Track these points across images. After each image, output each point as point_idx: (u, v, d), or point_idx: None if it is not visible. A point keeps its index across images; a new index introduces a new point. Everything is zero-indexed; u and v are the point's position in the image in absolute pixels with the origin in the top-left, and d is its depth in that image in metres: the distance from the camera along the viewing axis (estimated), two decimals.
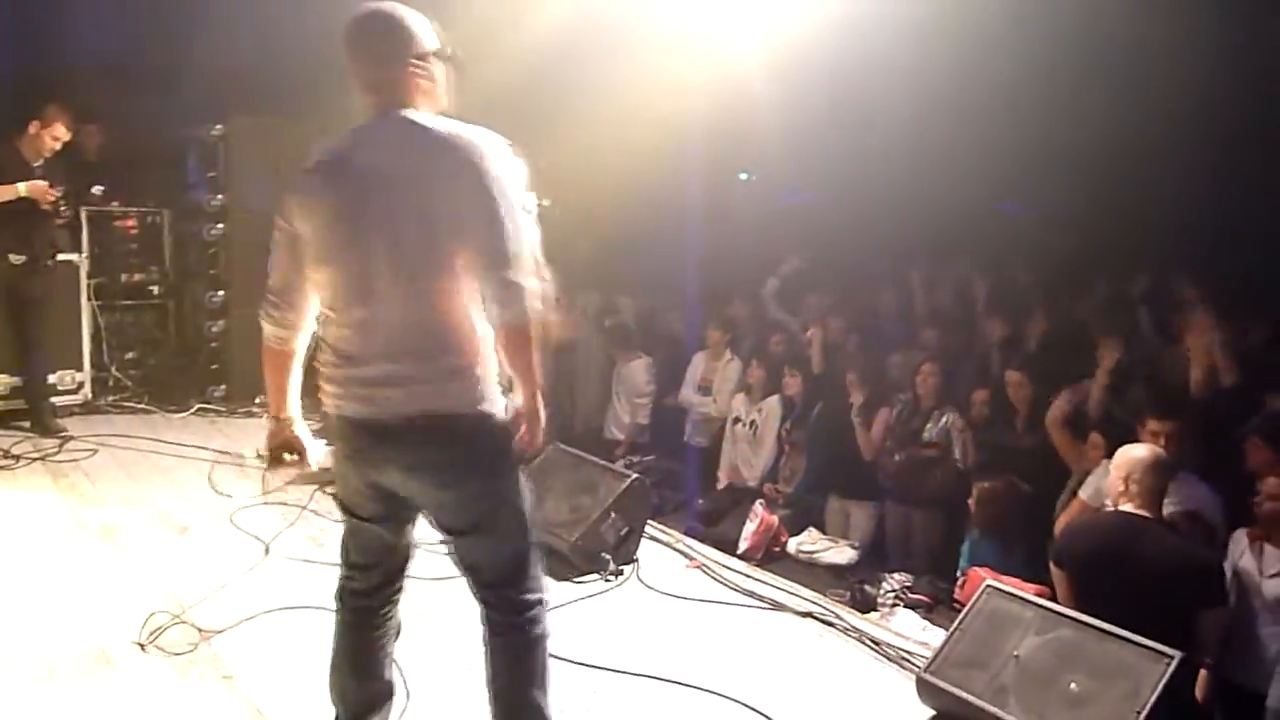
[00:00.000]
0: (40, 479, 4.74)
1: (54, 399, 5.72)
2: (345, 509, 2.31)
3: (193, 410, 6.19)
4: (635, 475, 4.09)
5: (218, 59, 6.43)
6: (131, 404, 6.19)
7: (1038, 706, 2.68)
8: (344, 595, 2.37)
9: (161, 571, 3.65)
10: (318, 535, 4.14)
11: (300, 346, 2.30)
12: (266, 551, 3.92)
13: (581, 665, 3.09)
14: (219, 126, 6.32)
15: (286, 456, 2.38)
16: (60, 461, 5.02)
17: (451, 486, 2.14)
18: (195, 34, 6.59)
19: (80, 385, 6.02)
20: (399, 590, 2.41)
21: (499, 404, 2.14)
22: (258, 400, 6.32)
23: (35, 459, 5.01)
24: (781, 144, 7.78)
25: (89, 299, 6.08)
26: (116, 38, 6.80)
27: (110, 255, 6.30)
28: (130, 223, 6.42)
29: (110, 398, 6.21)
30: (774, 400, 6.15)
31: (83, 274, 6.04)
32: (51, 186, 5.19)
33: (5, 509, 4.31)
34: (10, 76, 6.39)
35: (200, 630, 3.15)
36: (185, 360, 6.60)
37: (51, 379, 5.76)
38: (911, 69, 6.61)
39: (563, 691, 2.93)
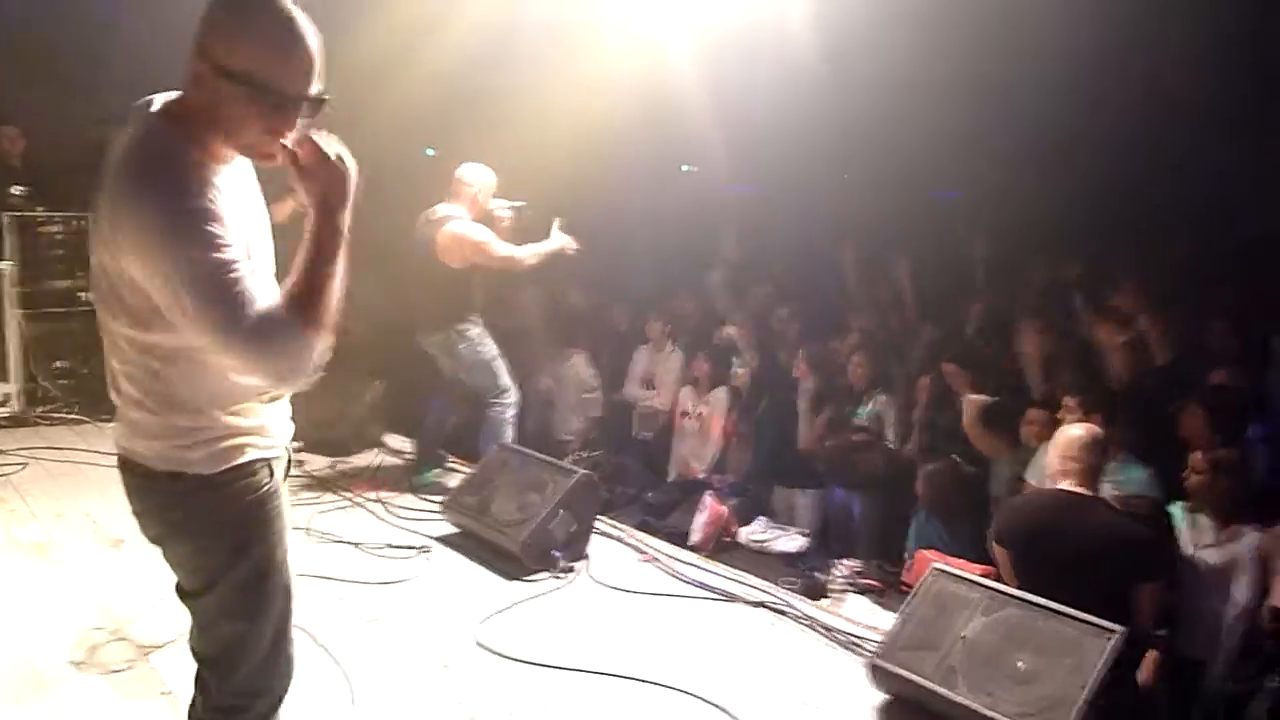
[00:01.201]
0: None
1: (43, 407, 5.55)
2: None
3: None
4: (583, 471, 4.07)
5: (145, 39, 6.23)
6: (62, 414, 5.99)
7: (986, 686, 2.72)
8: None
9: (96, 587, 3.53)
10: None
11: None
12: None
13: (534, 665, 3.07)
14: None
15: None
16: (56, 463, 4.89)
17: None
18: (119, 13, 6.35)
19: (8, 397, 5.82)
20: None
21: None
22: None
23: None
24: (722, 136, 7.81)
25: (15, 307, 5.88)
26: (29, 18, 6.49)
27: (36, 262, 6.08)
28: (56, 228, 6.22)
29: (40, 409, 6.00)
30: (720, 392, 6.18)
31: (6, 282, 5.83)
32: None
33: None
34: None
35: (138, 645, 3.06)
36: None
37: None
38: (849, 56, 6.67)
39: (517, 692, 2.91)
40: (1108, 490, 3.62)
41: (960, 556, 4.07)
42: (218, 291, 1.55)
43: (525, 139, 6.04)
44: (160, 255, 1.55)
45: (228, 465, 1.76)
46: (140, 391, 1.72)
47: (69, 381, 6.22)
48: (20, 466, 4.98)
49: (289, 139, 1.66)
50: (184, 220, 1.55)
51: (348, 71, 6.91)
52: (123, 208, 1.57)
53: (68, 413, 6.01)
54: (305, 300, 1.63)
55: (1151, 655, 3.33)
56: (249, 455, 1.79)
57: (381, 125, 6.51)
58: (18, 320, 5.91)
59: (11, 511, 4.36)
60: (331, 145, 1.68)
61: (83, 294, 6.34)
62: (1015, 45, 6.25)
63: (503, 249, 4.63)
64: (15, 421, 5.80)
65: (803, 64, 6.61)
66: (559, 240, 4.76)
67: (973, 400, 4.71)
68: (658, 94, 7.06)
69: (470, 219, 4.64)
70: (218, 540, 1.79)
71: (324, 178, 1.67)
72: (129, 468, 1.80)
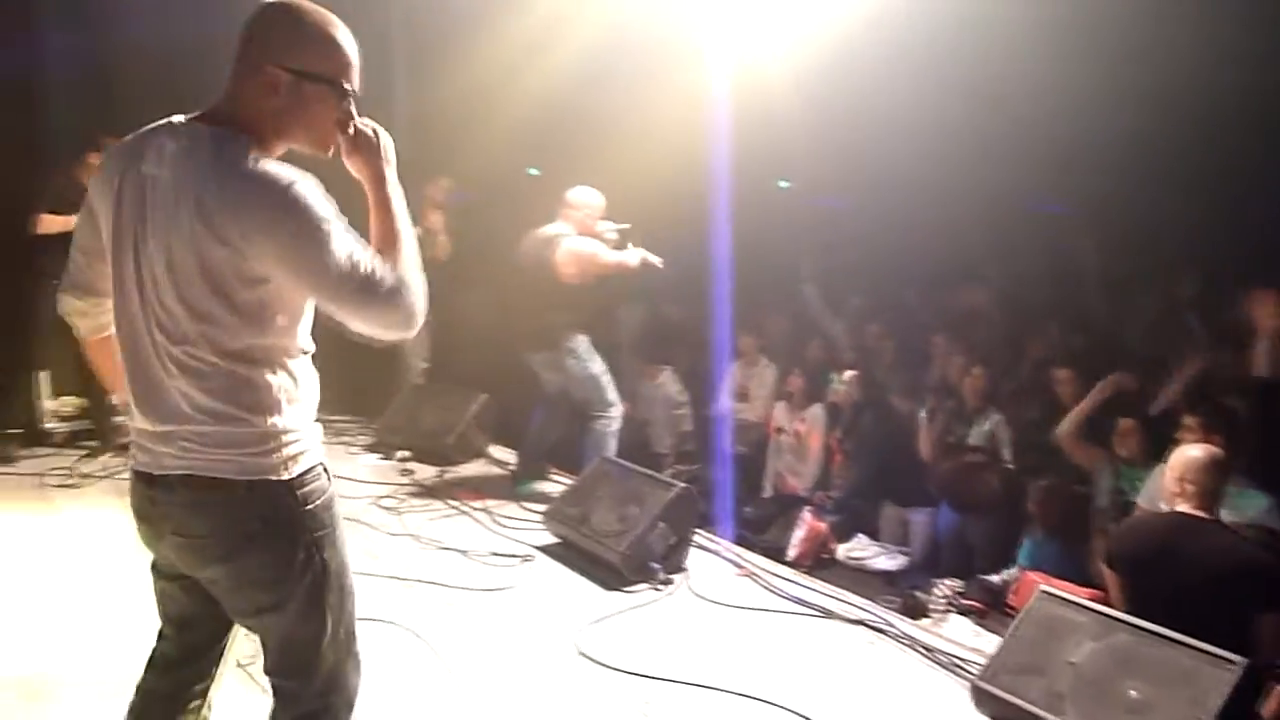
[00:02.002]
0: (107, 497, 4.86)
1: (116, 418, 5.89)
2: None
3: None
4: (682, 485, 4.12)
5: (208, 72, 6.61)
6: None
7: (1096, 714, 2.66)
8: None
9: None
10: (372, 548, 4.22)
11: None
12: None
13: (633, 675, 3.12)
14: None
15: None
16: (126, 479, 5.15)
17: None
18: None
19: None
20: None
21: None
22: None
23: (103, 477, 5.13)
24: (819, 150, 7.78)
25: None
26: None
27: None
28: None
29: None
30: (817, 408, 6.15)
31: None
32: None
33: (73, 528, 4.45)
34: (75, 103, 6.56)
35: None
36: None
37: (114, 398, 5.92)
38: (949, 68, 6.58)
39: (616, 700, 2.97)
40: (1225, 517, 3.48)
41: (1076, 578, 3.98)
42: (352, 255, 1.69)
43: (625, 157, 6.15)
44: (299, 236, 1.66)
45: (302, 469, 1.80)
46: (223, 402, 1.73)
47: None
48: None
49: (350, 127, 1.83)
50: (303, 201, 1.67)
51: (457, 95, 7.18)
52: (246, 204, 1.65)
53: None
54: (400, 253, 1.78)
55: (1277, 690, 3.18)
56: (317, 458, 1.85)
57: (487, 146, 6.73)
58: None
59: None
60: (366, 123, 1.85)
61: None
62: (1124, 52, 6.06)
63: (612, 256, 4.78)
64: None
65: (900, 74, 6.55)
66: (649, 255, 4.87)
67: (1068, 421, 4.62)
68: (755, 110, 7.10)
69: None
70: (294, 546, 1.79)
71: (368, 151, 1.84)
72: (191, 485, 1.76)
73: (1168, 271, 6.09)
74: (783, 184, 10.42)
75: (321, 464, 1.86)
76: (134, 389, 1.80)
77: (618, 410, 4.94)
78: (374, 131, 1.84)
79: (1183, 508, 3.23)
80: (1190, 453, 3.31)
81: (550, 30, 6.49)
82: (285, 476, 1.77)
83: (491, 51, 6.41)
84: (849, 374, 5.90)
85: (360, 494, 4.94)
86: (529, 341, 4.96)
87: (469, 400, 5.81)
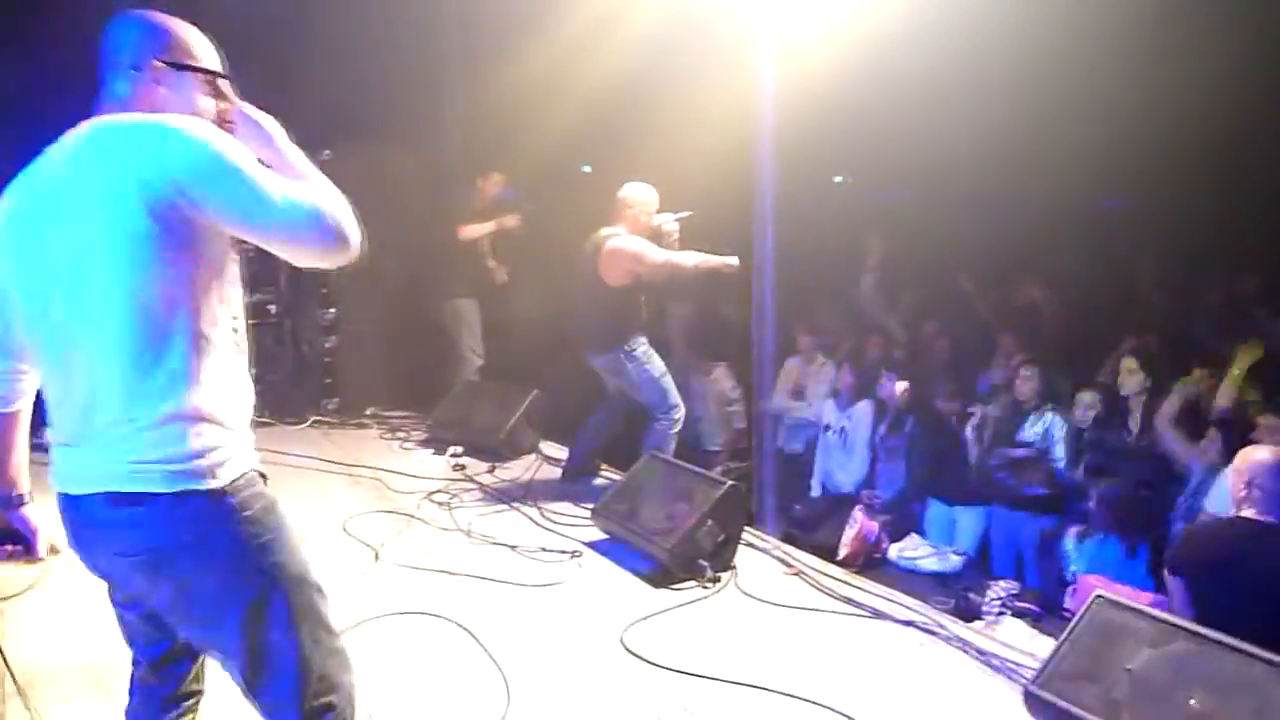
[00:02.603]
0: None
1: None
2: None
3: (309, 423, 6.50)
4: (731, 482, 4.10)
5: (320, 90, 6.75)
6: (254, 418, 6.51)
7: None
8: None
9: None
10: (424, 542, 4.29)
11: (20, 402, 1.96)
12: (376, 558, 4.08)
13: (679, 673, 3.12)
14: (327, 152, 6.63)
15: (8, 547, 1.99)
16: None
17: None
18: (299, 69, 6.91)
19: None
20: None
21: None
22: (368, 412, 6.63)
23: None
24: (875, 145, 7.68)
25: None
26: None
27: None
28: (250, 246, 6.76)
29: None
30: (865, 405, 6.08)
31: None
32: None
33: None
34: None
35: None
36: (301, 375, 6.92)
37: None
38: (1007, 61, 6.44)
39: (661, 697, 2.97)
40: None
41: (1138, 581, 3.87)
42: (265, 183, 1.67)
43: (677, 152, 6.14)
44: (222, 167, 1.64)
45: (236, 475, 1.72)
46: (141, 398, 1.65)
47: (260, 387, 6.72)
48: None
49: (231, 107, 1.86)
50: (222, 139, 1.68)
51: (510, 92, 7.22)
52: (169, 147, 1.63)
53: (259, 416, 6.52)
54: (312, 178, 1.78)
55: None
56: (251, 464, 1.79)
57: (540, 143, 6.77)
58: None
59: None
60: (248, 106, 1.88)
61: (271, 307, 6.90)
62: (1185, 44, 5.87)
63: (659, 254, 4.73)
64: None
65: (957, 68, 6.44)
66: (725, 258, 4.81)
67: (1174, 398, 4.46)
68: (809, 103, 7.02)
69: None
70: (242, 559, 1.72)
71: (253, 129, 1.84)
72: (118, 503, 1.66)
73: (1229, 265, 5.91)
74: (838, 179, 10.32)
75: (257, 470, 1.80)
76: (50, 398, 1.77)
77: (680, 412, 4.94)
78: (256, 113, 1.87)
79: (1249, 513, 3.12)
80: (1257, 455, 3.20)
81: (602, 26, 6.50)
82: (219, 485, 1.70)
83: (544, 48, 6.45)
84: (900, 386, 5.81)
85: (413, 489, 5.02)
86: (589, 344, 4.98)
87: (521, 396, 5.86)
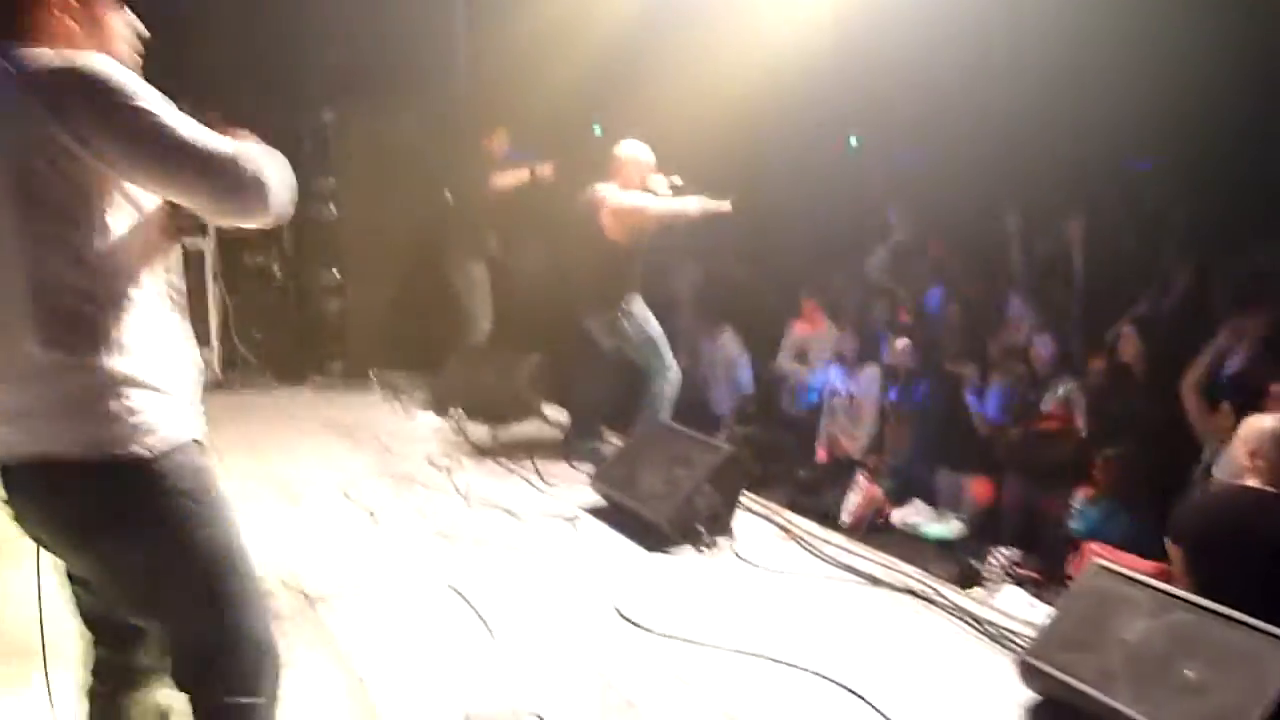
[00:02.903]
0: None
1: None
2: None
3: (311, 384, 6.54)
4: (730, 448, 4.06)
5: (322, 48, 6.67)
6: (256, 379, 6.54)
7: (1149, 695, 2.53)
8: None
9: (272, 538, 3.76)
10: (423, 506, 4.28)
11: None
12: (374, 520, 4.07)
13: (671, 639, 3.10)
14: (330, 114, 6.57)
15: None
16: None
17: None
18: (308, 31, 6.82)
19: (209, 362, 6.40)
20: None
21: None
22: (371, 373, 6.64)
23: None
24: (890, 102, 7.52)
25: (215, 281, 6.44)
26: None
27: (233, 241, 6.63)
28: None
29: (236, 372, 6.58)
30: (872, 369, 6.01)
31: (209, 258, 6.40)
32: None
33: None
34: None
35: (306, 596, 3.30)
36: (305, 337, 6.92)
37: None
38: (1031, 16, 6.27)
39: (654, 663, 2.96)
40: None
41: (1143, 549, 3.82)
42: (183, 132, 1.57)
43: (688, 114, 6.03)
44: (138, 117, 1.54)
45: (169, 446, 1.64)
46: (57, 365, 1.57)
47: (263, 349, 6.77)
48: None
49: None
50: (137, 86, 1.57)
51: (518, 49, 7.09)
52: (80, 93, 1.52)
53: (260, 378, 6.56)
54: (239, 140, 1.67)
55: None
56: (189, 433, 1.71)
57: (548, 100, 6.67)
58: (220, 293, 6.47)
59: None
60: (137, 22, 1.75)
61: (275, 268, 6.89)
62: (1218, 4, 5.68)
63: (660, 205, 4.66)
64: (214, 384, 6.36)
65: (979, 27, 6.27)
66: (719, 202, 4.71)
67: (1198, 364, 4.38)
68: (825, 62, 6.88)
69: None
70: (171, 534, 1.66)
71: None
72: (42, 473, 1.60)
73: (1258, 231, 5.76)
74: (854, 140, 10.14)
75: (197, 440, 1.73)
76: None
77: (675, 374, 4.89)
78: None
79: (1252, 482, 3.06)
80: (1262, 423, 3.13)
81: None
82: (149, 453, 1.62)
83: (551, 4, 6.34)
84: (901, 343, 5.74)
85: (413, 451, 5.01)
86: (585, 304, 4.93)
87: (524, 360, 5.83)
